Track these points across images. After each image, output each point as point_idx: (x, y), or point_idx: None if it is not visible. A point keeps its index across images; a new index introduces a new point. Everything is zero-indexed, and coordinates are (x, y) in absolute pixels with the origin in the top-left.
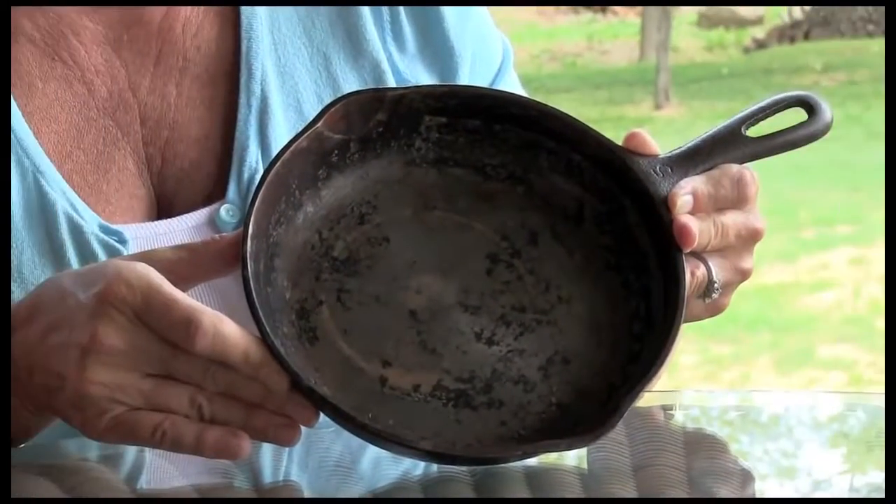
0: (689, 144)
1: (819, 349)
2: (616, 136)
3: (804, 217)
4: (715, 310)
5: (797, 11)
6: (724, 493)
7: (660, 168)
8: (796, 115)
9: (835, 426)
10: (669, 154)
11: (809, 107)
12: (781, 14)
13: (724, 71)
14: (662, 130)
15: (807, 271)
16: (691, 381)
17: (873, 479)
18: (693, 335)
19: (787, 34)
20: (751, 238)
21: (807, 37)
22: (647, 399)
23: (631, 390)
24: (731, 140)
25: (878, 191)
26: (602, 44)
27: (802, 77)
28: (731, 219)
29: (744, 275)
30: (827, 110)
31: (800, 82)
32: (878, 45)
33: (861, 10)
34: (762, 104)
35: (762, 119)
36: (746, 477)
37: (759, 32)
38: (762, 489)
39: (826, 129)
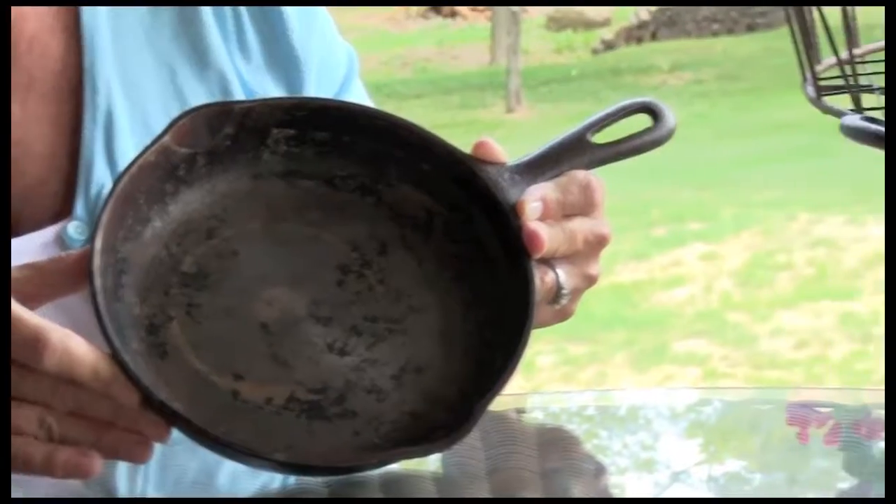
0: (536, 152)
1: (673, 345)
2: (468, 140)
3: (655, 215)
4: (563, 315)
5: (644, 12)
6: (578, 488)
7: (508, 176)
8: (641, 121)
9: (691, 416)
10: (517, 162)
11: (654, 113)
12: (628, 15)
13: (573, 73)
14: (514, 134)
15: (660, 269)
16: (549, 382)
17: (730, 468)
18: (549, 336)
19: (634, 35)
20: (598, 244)
21: (654, 37)
22: (501, 402)
23: (483, 396)
24: (577, 147)
25: (725, 187)
26: (453, 48)
27: (650, 77)
28: (579, 225)
29: (591, 280)
30: (671, 116)
31: (648, 82)
32: (722, 44)
33: (706, 10)
34: (608, 111)
35: (608, 125)
36: (599, 471)
37: (607, 34)
38: (622, 482)
39: (670, 134)
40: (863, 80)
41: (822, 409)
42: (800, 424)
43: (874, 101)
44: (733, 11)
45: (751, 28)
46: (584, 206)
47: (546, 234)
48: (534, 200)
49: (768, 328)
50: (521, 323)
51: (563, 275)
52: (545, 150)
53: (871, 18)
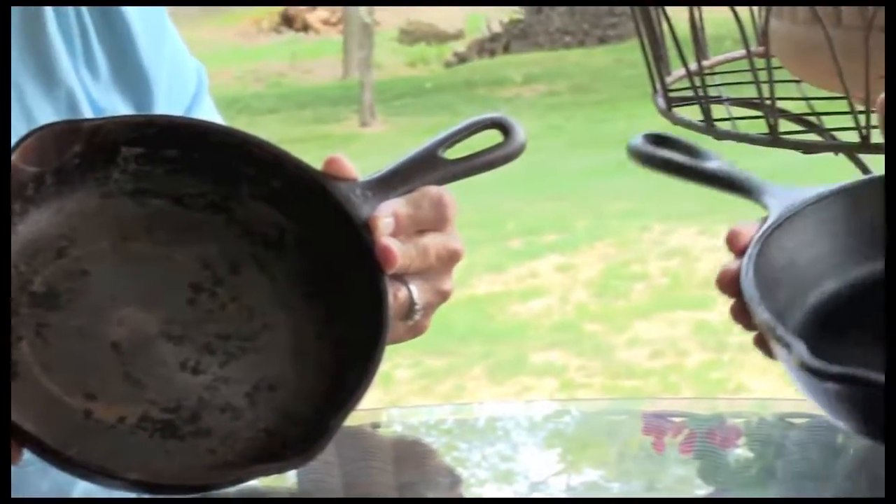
0: (387, 168)
1: (531, 356)
2: (323, 154)
3: (511, 227)
4: (416, 331)
5: (496, 24)
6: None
7: (360, 192)
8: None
9: (549, 427)
10: (369, 178)
11: (504, 128)
12: (480, 27)
13: (427, 86)
14: (369, 148)
15: (516, 280)
16: (406, 396)
17: (588, 478)
18: (407, 349)
19: (487, 48)
20: (450, 259)
21: (506, 50)
22: (358, 417)
23: (338, 412)
24: (429, 163)
25: (580, 199)
26: (305, 63)
27: (504, 89)
28: (432, 240)
29: (444, 296)
30: (521, 132)
31: (502, 94)
32: (575, 56)
33: (558, 22)
34: (458, 127)
35: (459, 141)
36: (454, 483)
37: (460, 46)
38: (481, 493)
39: (521, 149)
40: (712, 92)
41: (677, 419)
42: (655, 434)
43: (723, 112)
44: (585, 24)
45: (603, 40)
46: (437, 221)
47: (399, 250)
48: (386, 216)
49: (624, 338)
50: (375, 339)
51: (416, 290)
52: (396, 166)
53: (720, 30)
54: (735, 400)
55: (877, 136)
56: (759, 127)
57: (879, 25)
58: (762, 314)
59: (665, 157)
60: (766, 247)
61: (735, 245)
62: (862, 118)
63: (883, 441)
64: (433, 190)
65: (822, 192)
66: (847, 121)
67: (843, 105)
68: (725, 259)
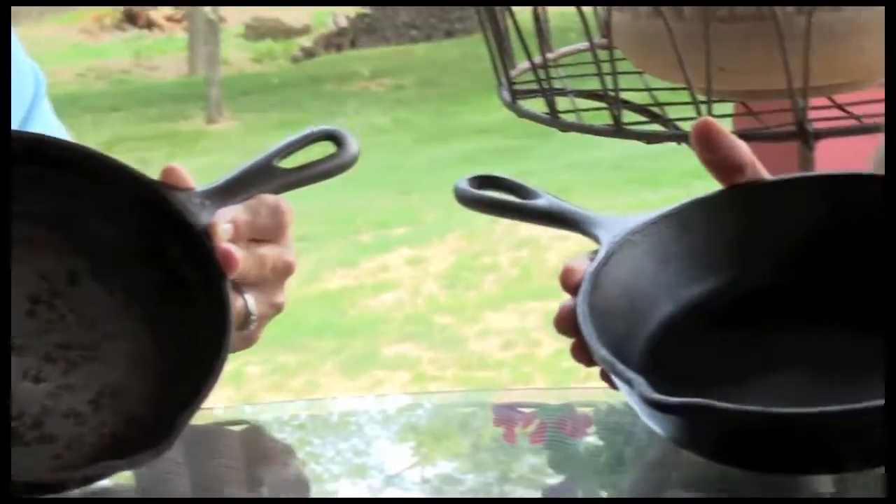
0: (225, 178)
1: (383, 350)
2: (169, 152)
3: (361, 222)
4: (248, 342)
5: (342, 19)
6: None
7: (198, 201)
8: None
9: (402, 420)
10: (206, 187)
11: (337, 140)
12: (327, 22)
13: (274, 81)
14: (216, 144)
15: (367, 275)
16: (258, 392)
17: (442, 470)
18: (258, 345)
19: (333, 42)
20: (284, 272)
21: (353, 44)
22: (208, 415)
23: (182, 413)
24: (265, 172)
25: (429, 192)
26: (150, 60)
27: (351, 84)
28: (268, 251)
29: (277, 309)
30: (353, 142)
31: (349, 89)
32: (422, 50)
33: (404, 16)
34: (292, 139)
35: (293, 152)
36: (308, 479)
37: (307, 41)
38: (336, 489)
39: (354, 160)
40: (556, 84)
41: (527, 410)
42: (506, 425)
43: (568, 103)
44: (432, 18)
45: (449, 34)
46: (274, 228)
47: (238, 253)
48: (225, 222)
49: (476, 330)
50: (219, 341)
51: (252, 301)
52: (234, 175)
53: (565, 22)
54: (585, 389)
55: None
56: (604, 118)
57: (719, 17)
58: (600, 352)
59: (492, 199)
60: (599, 280)
61: (569, 283)
62: (704, 108)
63: (733, 464)
64: (270, 198)
65: (648, 219)
66: (689, 111)
67: (685, 95)
68: (575, 249)
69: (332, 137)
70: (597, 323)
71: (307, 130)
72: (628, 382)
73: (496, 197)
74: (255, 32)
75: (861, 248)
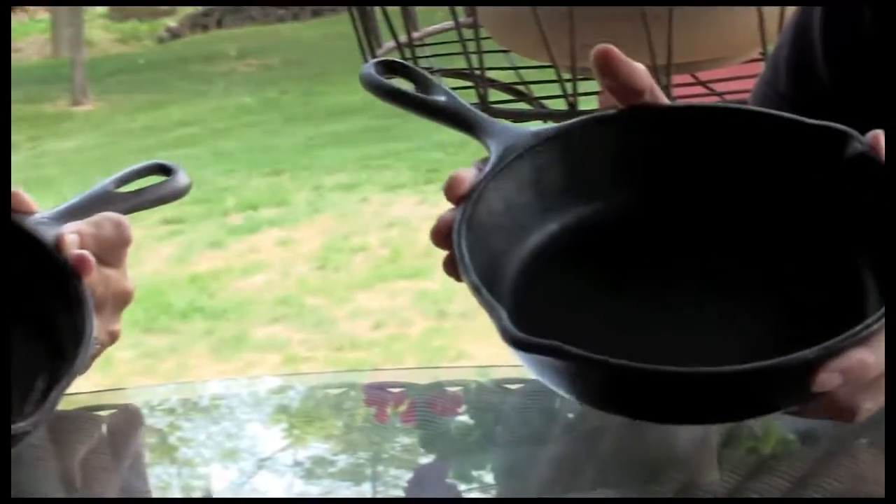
0: (67, 203)
1: (253, 332)
2: (35, 133)
3: (230, 203)
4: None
5: None
6: (152, 480)
7: (44, 222)
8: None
9: (274, 403)
10: (50, 211)
11: (166, 170)
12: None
13: (140, 62)
14: (82, 126)
15: (236, 256)
16: (127, 377)
17: (315, 451)
18: (127, 330)
19: (199, 23)
20: (123, 299)
21: (219, 25)
22: (77, 401)
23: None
24: (105, 198)
25: (298, 173)
26: (14, 42)
27: (218, 64)
28: (111, 273)
29: (113, 338)
30: (182, 173)
31: (216, 69)
32: (289, 30)
33: None
34: (128, 170)
35: (130, 181)
36: (178, 462)
37: (172, 22)
38: (207, 472)
39: (185, 188)
40: (423, 63)
41: (397, 390)
42: (377, 405)
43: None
44: None
45: (316, 13)
46: (117, 243)
47: (91, 259)
48: (70, 233)
49: (346, 310)
50: (78, 343)
51: (96, 324)
52: (74, 201)
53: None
54: (455, 368)
55: (584, 104)
56: (470, 97)
57: None
58: (469, 276)
59: (396, 89)
60: (484, 195)
61: (454, 193)
62: (569, 86)
63: (592, 404)
64: (113, 214)
65: (540, 132)
66: (555, 89)
67: (550, 74)
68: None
69: (163, 169)
70: (473, 239)
71: (140, 164)
72: (491, 311)
73: (399, 87)
74: (120, 13)
75: (748, 183)
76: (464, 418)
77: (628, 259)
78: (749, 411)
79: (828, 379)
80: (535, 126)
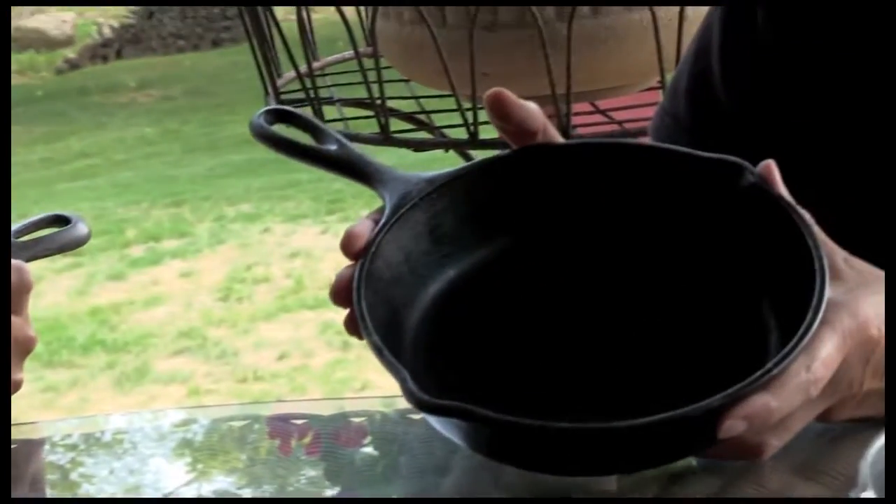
0: None
1: (156, 365)
2: None
3: (131, 234)
4: None
5: (107, 30)
6: None
7: None
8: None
9: (177, 436)
10: None
11: (65, 220)
12: (91, 33)
13: (38, 94)
14: None
15: (138, 288)
16: (27, 412)
17: (219, 485)
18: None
19: (99, 53)
20: (25, 346)
21: (119, 55)
22: None
23: None
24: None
25: (200, 203)
26: None
27: (118, 95)
28: (15, 321)
29: (16, 387)
30: (80, 222)
31: (116, 100)
32: (189, 60)
33: (171, 27)
34: (28, 221)
35: (31, 232)
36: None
37: (71, 53)
38: None
39: (86, 237)
40: (323, 93)
41: (301, 421)
42: (281, 437)
43: (336, 112)
44: (198, 27)
45: (216, 44)
46: (18, 287)
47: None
48: None
49: (250, 342)
50: None
51: None
52: None
53: (332, 31)
54: (359, 399)
55: (484, 132)
56: (372, 126)
57: (483, 24)
58: (370, 337)
59: (287, 139)
60: (381, 248)
61: (350, 249)
62: (469, 115)
63: (495, 459)
64: (13, 261)
65: (434, 178)
66: (456, 118)
67: (451, 103)
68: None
69: (61, 219)
70: (372, 295)
71: (40, 215)
72: (394, 373)
73: (290, 138)
74: (18, 44)
75: (647, 219)
76: (368, 449)
77: (529, 303)
78: (656, 459)
79: (732, 426)
80: (424, 173)
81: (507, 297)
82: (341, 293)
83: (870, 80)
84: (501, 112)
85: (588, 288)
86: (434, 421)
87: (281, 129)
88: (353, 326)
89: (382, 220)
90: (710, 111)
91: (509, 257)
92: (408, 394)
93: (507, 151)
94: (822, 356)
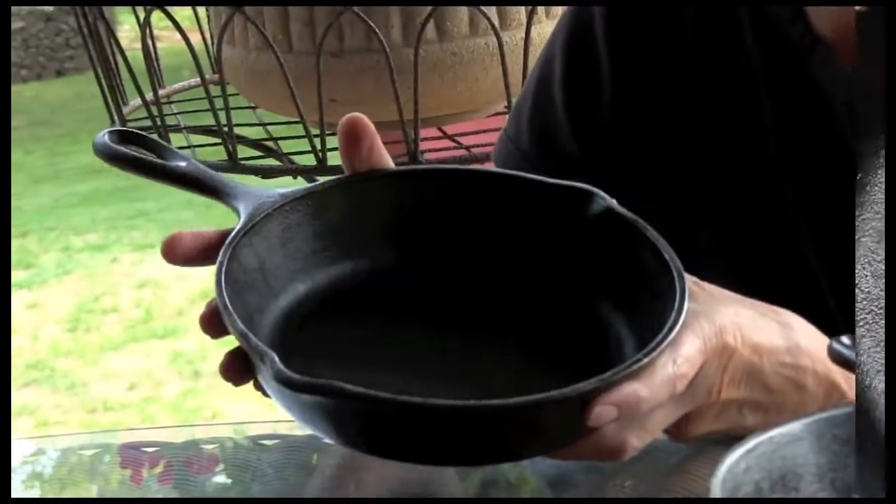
0: None
1: None
2: None
3: None
4: None
5: None
6: None
7: None
8: None
9: (27, 469)
10: None
11: None
12: None
13: None
14: None
15: None
16: None
17: None
18: None
19: None
20: None
21: None
22: None
23: None
24: None
25: (46, 233)
26: None
27: None
28: None
29: None
30: None
31: None
32: (32, 90)
33: (13, 56)
34: None
35: None
36: None
37: None
38: None
39: None
40: (170, 120)
41: (152, 449)
42: (132, 466)
43: (183, 140)
44: (41, 57)
45: (60, 73)
46: None
47: None
48: None
49: (99, 372)
50: None
51: None
52: None
53: (178, 59)
54: (210, 426)
55: (332, 159)
56: (219, 154)
57: (329, 50)
58: (235, 325)
59: (135, 156)
60: (237, 252)
61: (172, 254)
62: (317, 142)
63: (362, 449)
64: None
65: (287, 193)
66: (304, 145)
67: (299, 129)
68: (197, 288)
69: None
70: (231, 295)
71: None
72: (261, 357)
73: (137, 154)
74: None
75: (496, 243)
76: (221, 478)
77: (379, 322)
78: (523, 449)
79: (603, 412)
80: (281, 189)
81: (354, 315)
82: (213, 318)
83: (709, 140)
84: (355, 138)
85: (442, 309)
86: (299, 413)
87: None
88: (210, 323)
89: (238, 226)
90: (552, 143)
91: (359, 275)
92: (277, 374)
93: (361, 173)
94: (686, 353)
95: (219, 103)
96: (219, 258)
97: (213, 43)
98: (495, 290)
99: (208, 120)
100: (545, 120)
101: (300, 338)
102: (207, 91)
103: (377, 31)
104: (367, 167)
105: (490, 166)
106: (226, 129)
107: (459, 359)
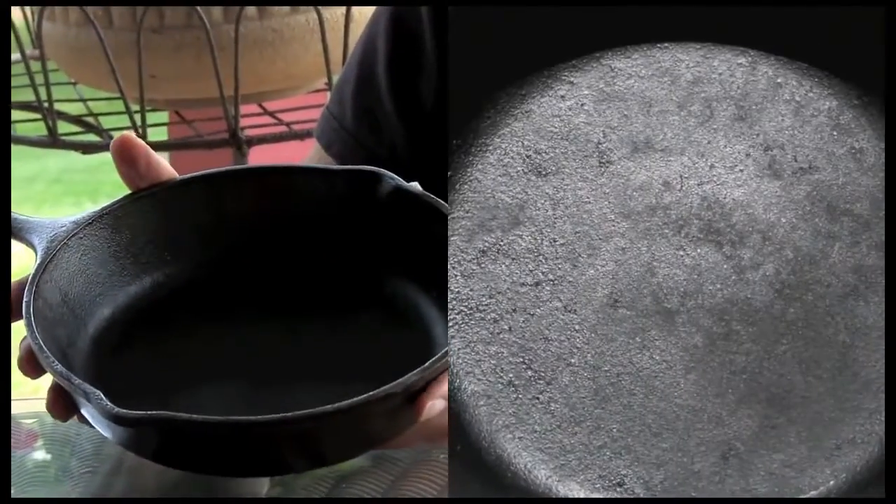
0: None
1: None
2: None
3: None
4: None
5: None
6: None
7: None
8: None
9: None
10: None
11: None
12: None
13: None
14: None
15: None
16: None
17: None
18: None
19: None
20: None
21: None
22: None
23: None
24: None
25: None
26: None
27: None
28: None
29: None
30: None
31: None
32: None
33: None
34: None
35: None
36: None
37: None
38: None
39: None
40: None
41: None
42: None
43: None
44: None
45: None
46: None
47: None
48: None
49: None
50: None
51: None
52: None
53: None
54: (28, 401)
55: (153, 135)
56: (39, 129)
57: (149, 26)
58: (53, 366)
59: None
60: (40, 289)
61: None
62: (138, 117)
63: (194, 470)
64: None
65: (81, 219)
66: (124, 120)
67: (119, 105)
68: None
69: None
70: (42, 333)
71: None
72: (86, 397)
73: None
74: None
75: (295, 236)
76: (40, 453)
77: (185, 331)
78: (354, 447)
79: (434, 406)
80: (70, 216)
81: (162, 330)
82: (31, 360)
83: None
84: (130, 159)
85: (246, 308)
86: (126, 441)
87: None
88: (29, 364)
89: (37, 262)
90: (376, 122)
91: (161, 290)
92: (105, 412)
93: (147, 187)
94: None
95: (39, 79)
96: (24, 300)
97: (33, 18)
98: (299, 284)
99: (28, 96)
100: (369, 100)
101: (113, 364)
102: (28, 66)
103: (197, 7)
104: (149, 183)
105: (312, 143)
106: (46, 104)
107: (274, 358)
